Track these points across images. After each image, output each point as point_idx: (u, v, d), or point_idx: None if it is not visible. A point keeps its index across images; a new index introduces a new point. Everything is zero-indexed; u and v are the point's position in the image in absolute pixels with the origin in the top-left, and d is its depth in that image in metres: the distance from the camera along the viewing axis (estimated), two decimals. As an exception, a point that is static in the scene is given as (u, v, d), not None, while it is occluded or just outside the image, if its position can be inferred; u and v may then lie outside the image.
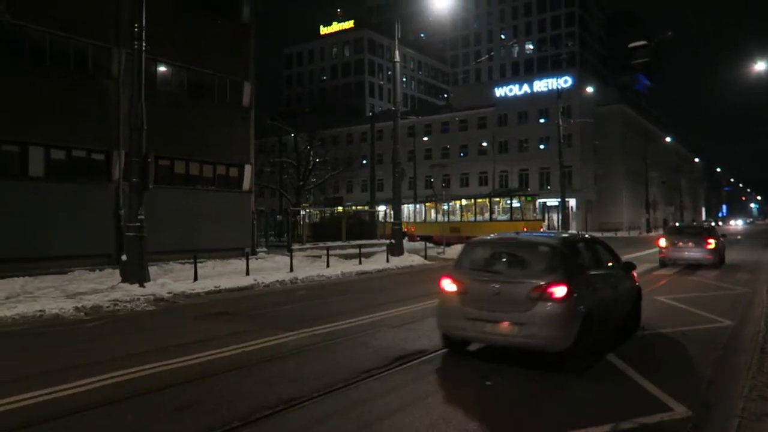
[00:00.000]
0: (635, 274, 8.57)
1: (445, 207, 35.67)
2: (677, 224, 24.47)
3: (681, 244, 18.49)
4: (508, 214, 32.41)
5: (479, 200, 35.40)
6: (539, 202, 36.55)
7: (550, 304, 5.93)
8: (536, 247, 6.80)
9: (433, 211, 37.49)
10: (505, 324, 6.10)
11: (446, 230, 34.03)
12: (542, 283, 6.03)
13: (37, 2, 16.06)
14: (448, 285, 6.75)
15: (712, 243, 17.90)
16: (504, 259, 6.89)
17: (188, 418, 4.70)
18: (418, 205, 40.08)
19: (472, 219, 34.20)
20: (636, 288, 8.45)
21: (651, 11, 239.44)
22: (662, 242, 19.07)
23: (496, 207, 34.01)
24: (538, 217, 35.03)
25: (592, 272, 6.99)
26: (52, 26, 16.93)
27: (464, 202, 34.81)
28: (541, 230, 32.36)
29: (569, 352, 5.93)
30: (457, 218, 35.47)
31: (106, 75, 18.29)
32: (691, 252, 18.18)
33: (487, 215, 33.87)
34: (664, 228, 31.13)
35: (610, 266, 7.77)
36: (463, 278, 6.64)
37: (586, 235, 9.20)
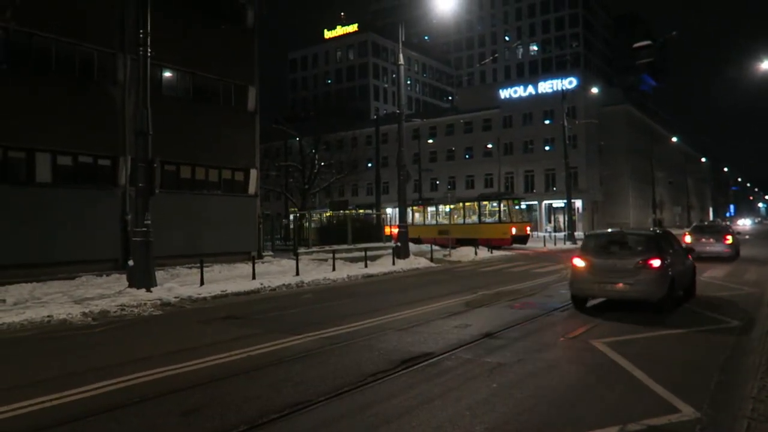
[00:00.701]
0: (690, 256, 11.92)
1: (431, 209, 36.06)
2: (700, 223, 27.89)
3: (703, 240, 21.37)
4: (496, 217, 32.98)
5: (467, 203, 35.84)
6: (525, 204, 38.26)
7: (650, 271, 9.36)
8: (636, 237, 10.42)
9: (417, 214, 38.04)
10: (620, 285, 9.55)
11: (434, 232, 34.35)
12: (644, 258, 9.49)
13: (42, 9, 16.17)
14: (579, 262, 10.18)
15: (729, 239, 21.15)
16: (616, 245, 10.24)
17: (196, 423, 4.71)
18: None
19: (461, 221, 34.65)
20: (692, 264, 11.87)
21: (655, 12, 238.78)
22: (688, 239, 21.32)
23: (483, 209, 34.48)
24: (525, 219, 36.12)
25: (671, 252, 10.30)
26: (57, 33, 17.05)
27: (451, 205, 35.03)
28: (527, 230, 33.81)
29: (663, 301, 9.45)
30: (446, 221, 35.64)
31: (112, 81, 18.40)
32: (712, 246, 21.10)
33: (475, 217, 34.47)
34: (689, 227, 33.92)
35: (677, 249, 11.08)
36: (589, 257, 10.07)
37: (659, 231, 12.15)
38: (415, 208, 38.43)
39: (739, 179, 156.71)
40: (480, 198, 36.53)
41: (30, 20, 15.73)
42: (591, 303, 10.64)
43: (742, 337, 7.79)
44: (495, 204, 33.43)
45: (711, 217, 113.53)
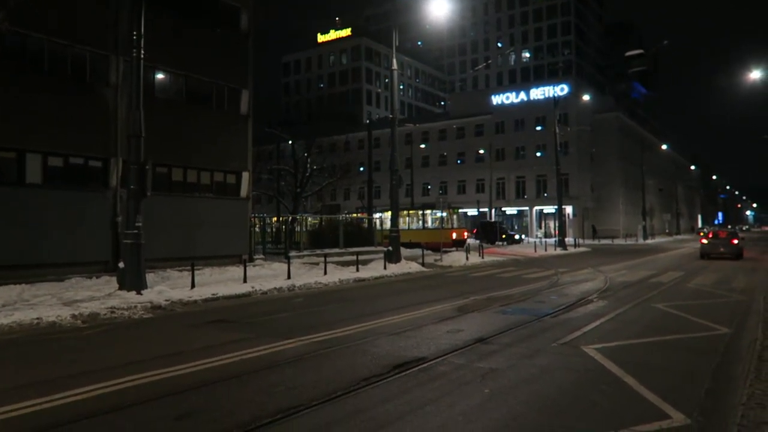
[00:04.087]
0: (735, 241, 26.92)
1: (377, 216, 38.47)
2: (712, 229, 39.17)
3: (716, 241, 27.94)
4: (438, 223, 37.15)
5: (411, 211, 40.81)
6: (461, 212, 43.73)
7: (735, 242, 26.75)
8: (728, 230, 31.08)
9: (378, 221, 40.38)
10: (722, 249, 26.74)
11: (383, 236, 35.96)
12: (731, 239, 27.05)
13: (36, 10, 16.08)
14: (704, 239, 28.01)
15: (736, 241, 27.36)
16: (721, 236, 28.10)
17: (188, 427, 4.69)
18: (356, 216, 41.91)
19: (405, 228, 37.64)
20: (742, 242, 28.05)
21: (647, 20, 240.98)
22: (704, 240, 28.46)
23: (427, 217, 39.28)
24: (463, 225, 41.40)
25: (741, 238, 27.89)
26: (50, 34, 16.97)
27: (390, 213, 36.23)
28: (465, 238, 38.19)
29: (740, 256, 26.50)
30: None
31: (105, 82, 18.32)
32: (723, 247, 27.30)
33: (420, 224, 39.66)
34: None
35: (741, 237, 28.08)
36: (708, 239, 27.85)
37: (736, 228, 23.17)
38: (360, 215, 41.19)
39: (728, 187, 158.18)
40: (423, 207, 41.23)
41: (23, 21, 15.65)
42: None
43: (731, 345, 7.85)
44: (437, 213, 37.60)
45: (699, 225, 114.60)
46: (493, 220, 56.57)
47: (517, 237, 48.77)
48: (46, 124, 16.76)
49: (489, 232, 48.34)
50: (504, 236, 47.58)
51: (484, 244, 36.05)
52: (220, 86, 22.06)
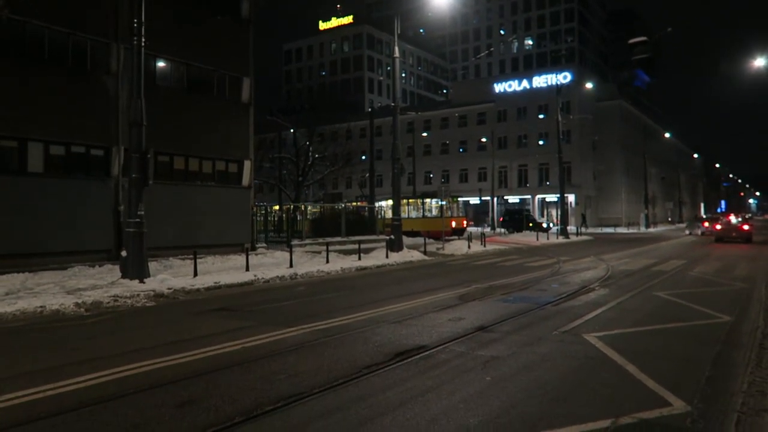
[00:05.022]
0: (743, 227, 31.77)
1: (378, 205, 38.28)
2: (717, 215, 46.83)
3: (729, 227, 32.57)
4: (438, 212, 36.22)
5: (411, 200, 40.42)
6: (462, 200, 44.45)
7: (746, 227, 31.23)
8: (738, 219, 39.57)
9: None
10: (734, 234, 31.03)
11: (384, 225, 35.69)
12: (741, 225, 32.02)
13: (35, -3, 16.01)
14: (718, 225, 32.36)
15: (746, 227, 31.87)
16: (732, 222, 33.78)
17: (190, 414, 4.72)
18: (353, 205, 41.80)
19: (405, 216, 37.14)
20: (751, 227, 32.94)
21: (651, 7, 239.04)
22: (718, 226, 33.15)
23: (426, 206, 39.06)
24: (462, 214, 41.20)
25: (751, 224, 36.36)
26: (50, 22, 16.89)
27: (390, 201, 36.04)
28: (465, 226, 38.54)
29: (750, 240, 30.53)
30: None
31: (105, 70, 18.26)
32: (734, 232, 31.67)
33: (420, 213, 39.43)
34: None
35: (748, 221, 36.10)
36: (720, 225, 32.53)
37: (747, 216, 24.30)
38: (357, 203, 40.74)
39: (731, 175, 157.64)
40: (423, 196, 40.93)
41: (23, 9, 15.58)
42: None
43: (732, 333, 7.86)
44: (437, 201, 37.21)
45: (702, 213, 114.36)
46: (519, 207, 56.45)
47: (545, 225, 46.17)
48: (48, 112, 16.73)
49: (516, 220, 47.46)
50: (531, 224, 45.83)
51: (512, 233, 36.35)
52: (221, 74, 21.98)
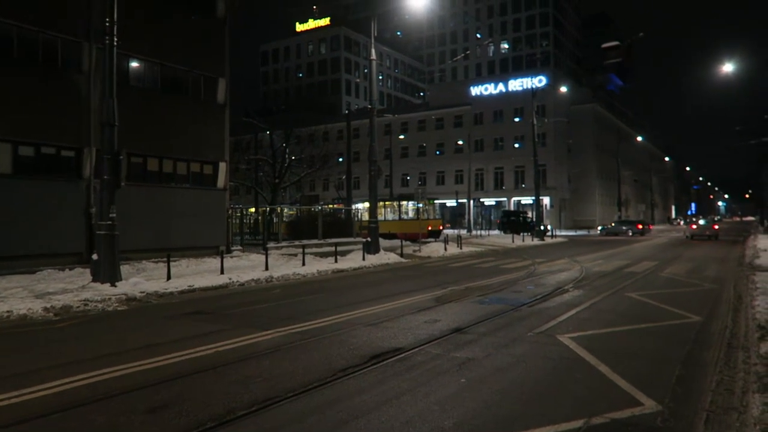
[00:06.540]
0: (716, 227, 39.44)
1: (352, 208, 37.90)
2: (699, 217, 53.06)
3: (702, 226, 39.68)
4: (415, 214, 36.40)
5: (388, 203, 40.23)
6: (438, 203, 44.40)
7: (716, 227, 38.66)
8: (708, 219, 51.42)
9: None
10: (707, 233, 37.62)
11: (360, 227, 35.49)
12: (713, 224, 39.55)
13: (3, -5, 15.65)
14: (693, 226, 39.84)
15: (716, 227, 38.99)
16: (701, 222, 42.83)
17: (162, 419, 4.64)
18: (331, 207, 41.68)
19: (382, 218, 36.99)
20: (718, 227, 40.98)
21: (625, 12, 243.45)
22: (694, 226, 40.08)
23: (403, 208, 38.96)
24: (438, 216, 41.73)
25: (719, 223, 42.28)
26: (20, 20, 16.54)
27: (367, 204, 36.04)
28: (441, 229, 38.66)
29: (717, 237, 37.74)
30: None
31: (77, 70, 17.92)
32: (705, 230, 38.31)
33: (396, 215, 39.16)
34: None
35: (717, 222, 42.83)
36: (694, 225, 40.56)
37: (717, 218, 29.88)
38: (333, 206, 40.18)
39: (701, 178, 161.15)
40: (400, 198, 40.74)
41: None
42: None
43: (702, 333, 8.01)
44: (413, 203, 37.10)
45: (673, 215, 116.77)
46: (517, 210, 56.25)
47: (541, 227, 42.18)
48: (16, 112, 16.35)
49: (515, 223, 46.34)
50: (530, 228, 43.50)
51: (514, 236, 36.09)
52: (196, 75, 21.74)
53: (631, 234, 46.77)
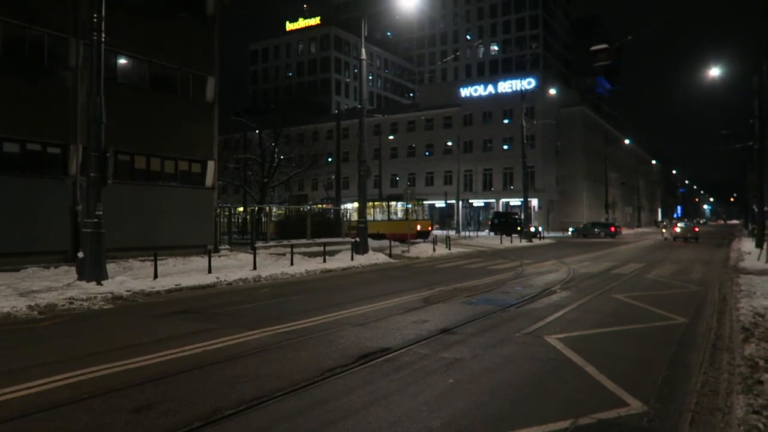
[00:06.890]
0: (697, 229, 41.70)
1: (341, 208, 37.65)
2: (682, 220, 53.23)
3: (684, 228, 41.18)
4: (404, 215, 35.66)
5: (377, 203, 40.19)
6: (427, 204, 44.39)
7: (697, 230, 40.83)
8: (689, 221, 51.40)
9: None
10: (689, 234, 39.85)
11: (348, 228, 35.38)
12: (693, 227, 41.14)
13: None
14: (676, 228, 41.15)
15: (697, 229, 41.09)
16: (684, 224, 42.18)
17: (147, 419, 4.60)
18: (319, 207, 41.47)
19: (371, 219, 36.97)
20: (698, 230, 43.04)
21: (614, 16, 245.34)
22: (677, 228, 41.35)
23: (392, 209, 38.92)
24: (427, 217, 42.00)
25: (701, 226, 49.75)
26: (5, 14, 16.34)
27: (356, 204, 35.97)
28: (430, 229, 38.68)
29: (698, 239, 40.30)
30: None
31: (64, 66, 17.75)
32: (687, 232, 40.33)
33: (385, 215, 39.14)
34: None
35: (697, 225, 45.64)
36: (676, 227, 41.48)
37: (701, 221, 32.32)
38: (321, 206, 40.16)
39: (687, 182, 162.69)
40: (389, 198, 40.62)
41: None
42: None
43: (687, 334, 8.09)
44: (402, 204, 36.49)
45: (659, 218, 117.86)
46: (506, 210, 56.17)
47: (532, 230, 42.73)
48: (1, 108, 16.15)
49: (506, 225, 45.99)
50: (519, 228, 43.21)
51: (503, 238, 36.08)
52: (185, 73, 21.60)
53: (604, 236, 47.29)
